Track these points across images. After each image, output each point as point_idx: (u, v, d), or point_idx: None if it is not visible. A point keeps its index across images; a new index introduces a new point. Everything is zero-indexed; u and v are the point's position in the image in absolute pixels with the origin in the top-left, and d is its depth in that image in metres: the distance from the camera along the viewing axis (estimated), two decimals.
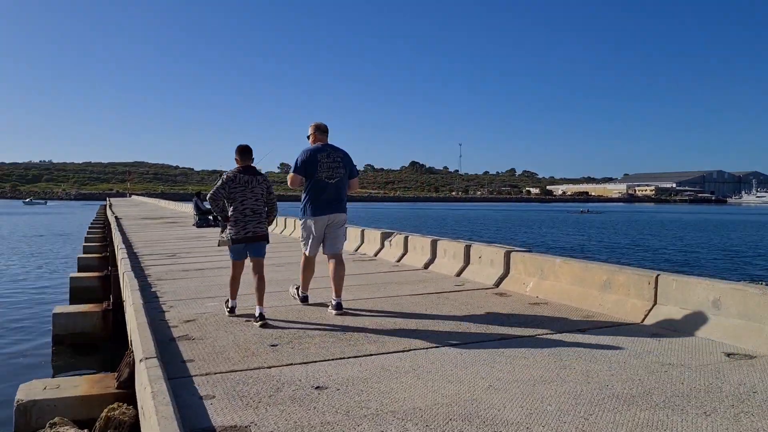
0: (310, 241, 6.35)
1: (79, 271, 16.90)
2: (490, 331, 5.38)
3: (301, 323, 5.78)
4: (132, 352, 4.96)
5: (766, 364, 4.33)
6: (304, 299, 6.71)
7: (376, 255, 11.23)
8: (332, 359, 4.54)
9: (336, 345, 4.93)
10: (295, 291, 6.83)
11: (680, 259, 26.56)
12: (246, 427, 3.25)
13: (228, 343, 5.03)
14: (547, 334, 5.27)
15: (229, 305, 6.18)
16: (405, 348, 4.82)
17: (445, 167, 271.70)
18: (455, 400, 3.64)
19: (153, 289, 7.90)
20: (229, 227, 6.02)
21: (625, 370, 4.22)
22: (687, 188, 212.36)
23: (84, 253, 20.35)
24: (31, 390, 5.21)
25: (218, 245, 6.28)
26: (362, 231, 12.41)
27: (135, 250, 13.18)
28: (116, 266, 10.82)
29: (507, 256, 7.77)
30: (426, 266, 9.44)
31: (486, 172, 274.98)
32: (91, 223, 33.15)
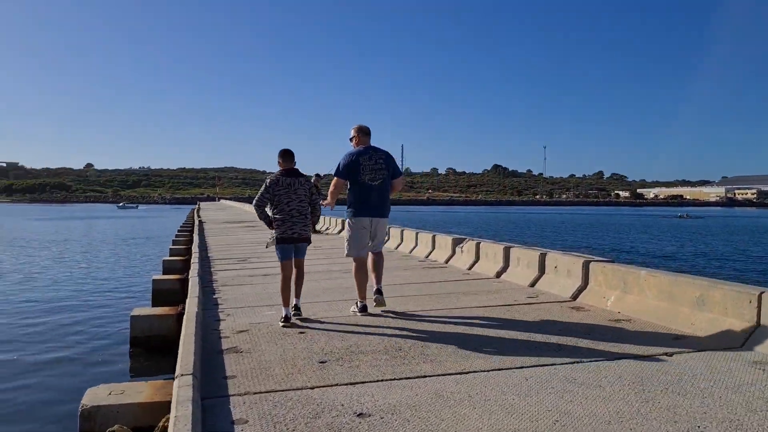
0: (357, 243, 6.40)
1: (163, 273, 17.41)
2: (562, 352, 4.82)
3: (358, 334, 5.44)
4: None
5: None
6: (363, 309, 6.43)
7: (446, 262, 10.75)
8: (382, 380, 4.15)
9: (388, 363, 4.54)
10: (355, 307, 6.52)
11: None
12: None
13: (275, 357, 4.75)
14: (628, 357, 4.65)
15: (283, 313, 5.96)
16: (463, 370, 4.36)
17: (529, 170, 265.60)
18: None
19: (215, 295, 7.82)
20: (275, 228, 6.13)
21: (720, 406, 3.57)
22: None
23: (170, 255, 21.01)
24: (97, 395, 5.15)
25: (266, 247, 6.42)
26: (433, 237, 11.96)
27: (209, 254, 13.36)
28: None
29: (586, 266, 7.11)
30: (498, 275, 8.88)
31: (572, 175, 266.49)
32: (180, 226, 34.40)
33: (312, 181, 6.59)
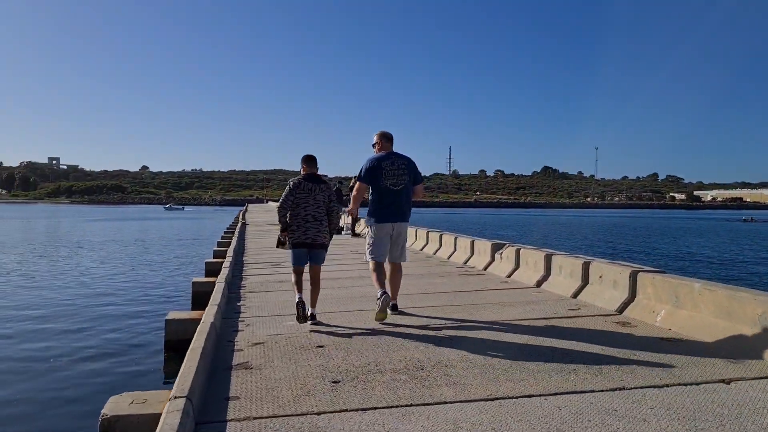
0: (377, 248, 6.44)
1: (205, 275, 17.45)
2: (603, 375, 4.32)
3: (379, 349, 5.06)
4: None
5: None
6: (383, 295, 6.15)
7: (485, 269, 10.25)
8: (397, 406, 3.75)
9: (407, 385, 4.13)
10: (377, 301, 6.31)
11: None
12: None
13: (286, 375, 4.40)
14: (678, 384, 4.11)
15: (297, 298, 6.07)
16: (489, 395, 3.92)
17: (580, 172, 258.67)
18: None
19: (240, 302, 7.57)
20: (289, 233, 6.19)
21: None
22: None
23: (214, 257, 21.11)
24: (119, 404, 4.91)
25: (276, 246, 6.50)
26: (472, 242, 11.47)
27: (244, 258, 13.23)
28: None
29: (633, 276, 6.53)
30: (538, 284, 8.35)
31: (625, 177, 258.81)
32: (227, 228, 34.74)
33: (334, 187, 6.61)
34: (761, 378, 4.23)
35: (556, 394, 3.93)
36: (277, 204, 6.34)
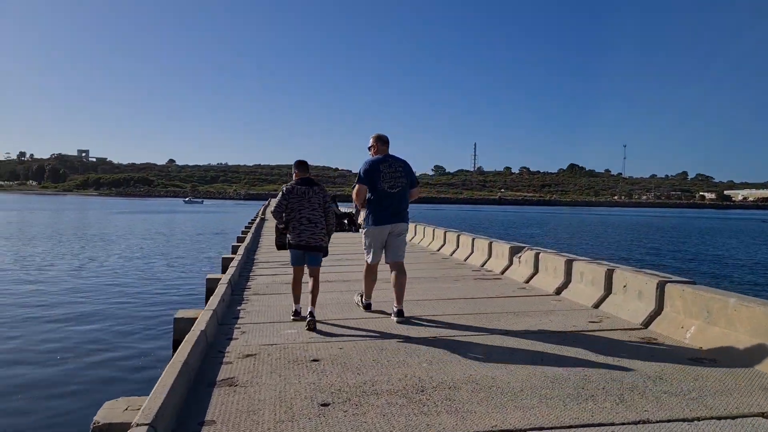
0: (373, 249, 6.48)
1: (222, 271, 17.22)
2: (624, 404, 3.83)
3: (379, 365, 4.64)
4: None
5: None
6: (367, 306, 6.77)
7: (502, 273, 9.76)
8: None
9: (402, 411, 3.70)
10: (359, 298, 6.94)
11: None
12: None
13: (272, 395, 4.01)
14: (711, 417, 3.62)
15: (294, 308, 6.36)
16: (494, 427, 3.47)
17: (607, 170, 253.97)
18: None
19: (240, 306, 7.22)
20: (288, 234, 6.29)
21: None
22: None
23: (232, 252, 20.89)
24: (112, 410, 4.57)
25: (277, 249, 6.65)
26: (490, 244, 10.97)
27: (256, 255, 12.91)
28: None
29: (660, 287, 6.01)
30: (558, 291, 7.84)
31: (653, 176, 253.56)
32: (248, 223, 34.54)
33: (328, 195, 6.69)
34: None
35: (570, 426, 3.48)
36: (272, 210, 6.45)
